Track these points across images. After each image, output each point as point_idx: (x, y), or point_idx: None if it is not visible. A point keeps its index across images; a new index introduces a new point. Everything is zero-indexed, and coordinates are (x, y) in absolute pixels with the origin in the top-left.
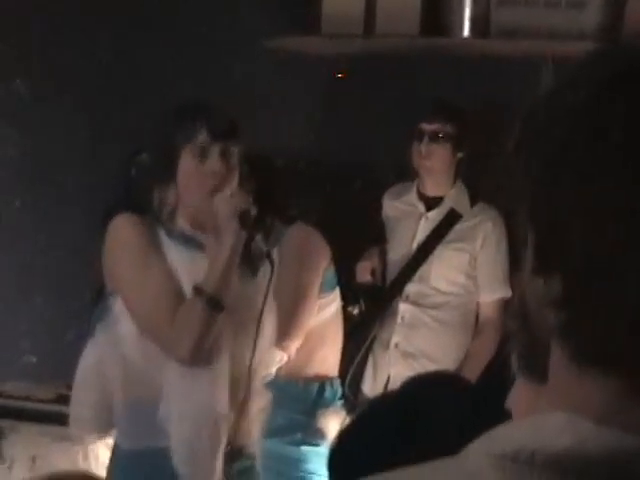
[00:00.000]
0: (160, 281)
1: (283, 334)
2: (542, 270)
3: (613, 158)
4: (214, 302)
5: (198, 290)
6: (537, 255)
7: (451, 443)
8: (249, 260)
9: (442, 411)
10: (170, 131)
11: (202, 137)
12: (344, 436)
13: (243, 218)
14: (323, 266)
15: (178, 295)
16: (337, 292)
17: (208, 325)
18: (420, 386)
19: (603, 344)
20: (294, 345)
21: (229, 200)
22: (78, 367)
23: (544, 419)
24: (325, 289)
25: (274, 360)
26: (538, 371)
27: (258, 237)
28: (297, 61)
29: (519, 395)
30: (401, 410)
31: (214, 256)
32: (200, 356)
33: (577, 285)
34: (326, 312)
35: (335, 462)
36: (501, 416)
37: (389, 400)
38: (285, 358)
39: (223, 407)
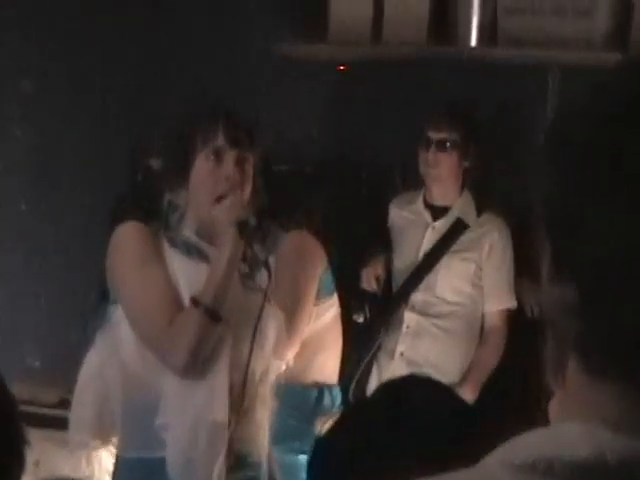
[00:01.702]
0: (158, 290)
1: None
2: (557, 279)
3: (635, 173)
4: (211, 313)
5: (195, 301)
6: (553, 264)
7: (434, 444)
8: (247, 268)
9: (424, 413)
10: (187, 134)
11: (219, 142)
12: (322, 443)
13: (241, 228)
14: (319, 271)
15: (176, 305)
16: (335, 298)
17: (205, 336)
18: (399, 389)
19: (618, 354)
20: (290, 352)
21: (228, 209)
22: (80, 372)
23: (561, 428)
24: (323, 294)
25: (280, 367)
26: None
27: (256, 245)
28: (304, 67)
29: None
30: (381, 415)
31: (212, 267)
32: (195, 367)
33: (592, 295)
34: (325, 318)
35: (315, 469)
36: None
37: (367, 406)
38: (282, 366)
39: (222, 416)
